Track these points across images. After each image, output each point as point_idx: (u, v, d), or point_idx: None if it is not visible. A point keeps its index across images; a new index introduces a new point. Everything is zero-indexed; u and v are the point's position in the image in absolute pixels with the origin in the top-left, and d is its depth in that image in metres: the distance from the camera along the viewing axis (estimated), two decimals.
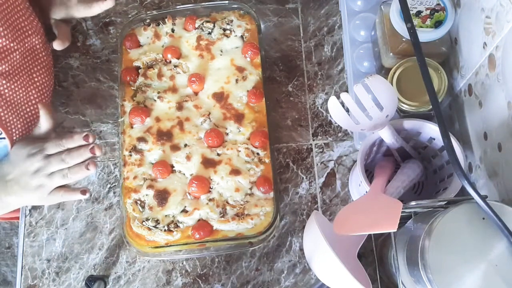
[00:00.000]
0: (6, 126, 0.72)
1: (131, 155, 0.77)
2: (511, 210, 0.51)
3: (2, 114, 0.71)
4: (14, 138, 0.74)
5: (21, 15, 0.72)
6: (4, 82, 0.70)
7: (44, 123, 0.70)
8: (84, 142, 0.69)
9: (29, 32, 0.74)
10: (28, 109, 0.76)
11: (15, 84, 0.72)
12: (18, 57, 0.72)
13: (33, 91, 0.76)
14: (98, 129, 0.85)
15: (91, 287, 0.75)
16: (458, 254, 0.49)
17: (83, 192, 0.70)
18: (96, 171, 0.82)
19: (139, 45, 0.84)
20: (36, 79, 0.77)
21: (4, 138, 0.72)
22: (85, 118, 0.85)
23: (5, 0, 0.69)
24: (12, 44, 0.70)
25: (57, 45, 0.77)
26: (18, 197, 0.68)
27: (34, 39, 0.76)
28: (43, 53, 0.78)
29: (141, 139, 0.77)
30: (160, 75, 0.81)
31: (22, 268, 0.78)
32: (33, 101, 0.76)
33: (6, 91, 0.71)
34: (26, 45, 0.74)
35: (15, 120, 0.73)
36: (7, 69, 0.70)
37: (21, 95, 0.74)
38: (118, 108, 0.82)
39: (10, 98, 0.72)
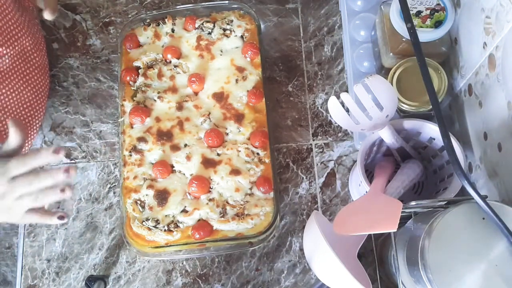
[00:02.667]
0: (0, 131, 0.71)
1: (131, 155, 0.77)
2: (511, 210, 0.51)
3: None
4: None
5: (9, 19, 0.71)
6: None
7: (13, 140, 0.61)
8: (52, 158, 0.60)
9: (19, 35, 0.73)
10: (23, 111, 0.75)
11: (6, 89, 0.71)
12: (8, 61, 0.71)
13: (28, 93, 0.75)
14: (98, 129, 0.85)
15: (91, 287, 0.75)
16: (458, 254, 0.49)
17: (61, 217, 0.63)
18: (96, 171, 0.82)
19: (139, 45, 0.84)
20: (30, 81, 0.76)
21: None
22: (85, 118, 0.85)
23: None
24: (0, 49, 0.69)
25: (47, 15, 0.70)
26: None
27: (24, 41, 0.75)
28: (36, 54, 0.78)
29: (141, 139, 0.77)
30: (160, 75, 0.81)
31: (22, 268, 0.78)
32: (28, 103, 0.75)
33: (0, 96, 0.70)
34: (17, 48, 0.73)
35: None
36: None
37: (14, 98, 0.72)
38: (118, 108, 0.82)
39: (3, 102, 0.71)
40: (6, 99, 0.71)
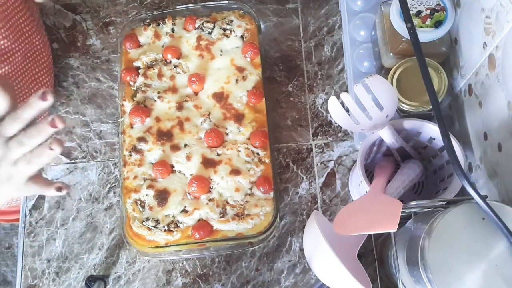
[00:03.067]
0: None
1: (131, 155, 0.77)
2: (511, 210, 0.51)
3: None
4: None
5: (21, 15, 0.72)
6: None
7: (2, 102, 0.57)
8: (43, 104, 0.55)
9: (30, 33, 0.74)
10: None
11: (18, 86, 0.72)
12: (19, 58, 0.71)
13: (36, 92, 0.76)
14: (98, 129, 0.85)
15: (91, 287, 0.75)
16: (458, 254, 0.49)
17: (58, 188, 0.60)
18: (96, 171, 0.82)
19: (139, 45, 0.84)
20: (38, 80, 0.76)
21: None
22: (85, 118, 0.85)
23: (5, 1, 0.68)
24: (13, 45, 0.69)
25: None
26: None
27: (35, 40, 0.75)
28: (44, 53, 0.78)
29: (141, 139, 0.77)
30: (160, 75, 0.81)
31: (22, 268, 0.78)
32: None
33: None
34: (27, 45, 0.73)
35: None
36: (9, 70, 0.69)
37: (24, 96, 0.73)
38: (118, 108, 0.82)
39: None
40: (17, 96, 0.71)
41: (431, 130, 0.67)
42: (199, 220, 0.74)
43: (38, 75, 0.76)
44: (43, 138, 0.56)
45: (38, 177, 0.60)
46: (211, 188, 0.75)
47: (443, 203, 0.58)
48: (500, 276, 0.48)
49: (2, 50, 0.68)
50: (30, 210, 0.81)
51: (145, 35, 0.84)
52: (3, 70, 0.68)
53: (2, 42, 0.67)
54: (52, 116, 0.54)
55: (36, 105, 0.55)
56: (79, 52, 0.89)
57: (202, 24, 0.83)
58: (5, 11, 0.68)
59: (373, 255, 0.75)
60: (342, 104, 0.62)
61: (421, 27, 0.68)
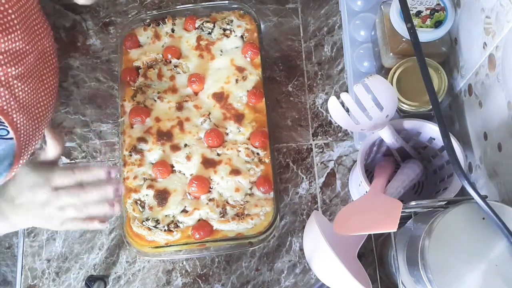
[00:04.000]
0: (16, 128, 0.72)
1: (131, 155, 0.77)
2: (511, 210, 0.51)
3: (14, 116, 0.71)
4: (21, 139, 0.73)
5: (35, 17, 0.73)
6: (19, 84, 0.70)
7: (52, 150, 0.66)
8: (102, 175, 0.62)
9: (42, 35, 0.74)
10: (37, 111, 0.75)
11: (28, 87, 0.72)
12: (32, 60, 0.72)
13: (42, 93, 0.76)
14: (98, 129, 0.85)
15: (91, 287, 0.75)
16: (458, 254, 0.49)
17: (102, 221, 0.64)
18: None
19: (139, 45, 0.84)
20: (45, 81, 0.77)
21: (12, 138, 0.72)
22: (85, 118, 0.85)
23: (24, 3, 0.69)
24: (27, 47, 0.70)
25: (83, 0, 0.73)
26: (27, 220, 0.65)
27: (45, 42, 0.76)
28: (52, 56, 0.78)
29: (141, 139, 0.77)
30: (160, 75, 0.81)
31: (22, 268, 0.78)
32: (42, 103, 0.76)
33: (21, 93, 0.71)
34: (39, 48, 0.74)
35: (25, 122, 0.73)
36: (22, 71, 0.70)
37: (32, 97, 0.73)
38: (118, 108, 0.82)
39: (23, 101, 0.72)
40: (27, 97, 0.72)
41: (431, 130, 0.67)
42: (199, 220, 0.74)
43: (46, 77, 0.77)
44: (99, 198, 0.63)
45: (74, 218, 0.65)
46: (211, 188, 0.75)
47: (443, 203, 0.58)
48: (500, 276, 0.48)
49: (18, 51, 0.68)
50: None
51: (145, 35, 0.84)
52: (17, 71, 0.69)
53: (18, 43, 0.67)
54: (120, 186, 0.62)
55: (97, 174, 0.63)
56: (79, 52, 0.89)
57: (202, 24, 0.83)
58: (22, 13, 0.68)
59: (373, 255, 0.75)
60: (342, 104, 0.62)
61: (421, 27, 0.68)
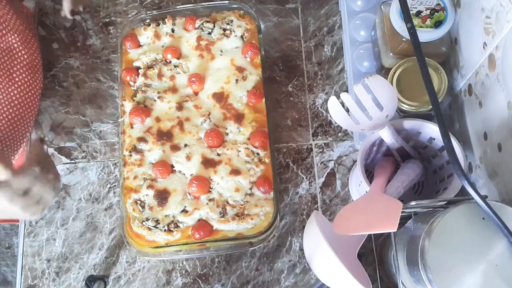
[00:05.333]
0: None
1: (131, 155, 0.77)
2: (511, 210, 0.51)
3: None
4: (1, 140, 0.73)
5: None
6: None
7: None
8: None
9: (4, 31, 0.73)
10: (10, 110, 0.74)
11: None
12: None
13: (14, 91, 0.75)
14: (98, 129, 0.85)
15: (91, 287, 0.75)
16: (458, 254, 0.49)
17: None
18: (96, 171, 0.82)
19: (139, 45, 0.84)
20: (16, 79, 0.75)
21: None
22: (85, 118, 0.85)
23: None
24: None
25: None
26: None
27: (10, 38, 0.75)
28: (23, 52, 0.77)
29: (141, 139, 0.77)
30: (160, 75, 0.81)
31: (22, 268, 0.78)
32: (15, 102, 0.75)
33: None
34: (1, 44, 0.73)
35: None
36: None
37: (1, 96, 0.72)
38: (118, 108, 0.82)
39: None
40: None
41: (431, 130, 0.67)
42: (199, 220, 0.74)
43: (16, 74, 0.75)
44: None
45: None
46: (211, 188, 0.75)
47: (443, 203, 0.58)
48: (500, 276, 0.48)
49: None
50: None
51: (145, 35, 0.84)
52: None
53: None
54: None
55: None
56: (79, 52, 0.89)
57: (202, 24, 0.83)
58: None
59: (373, 255, 0.75)
60: (342, 104, 0.62)
61: (421, 27, 0.68)
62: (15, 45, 0.76)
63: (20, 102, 0.76)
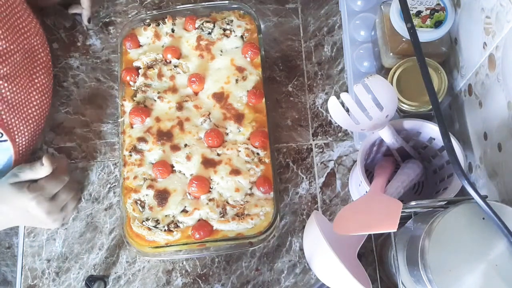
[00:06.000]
0: (8, 129, 0.72)
1: (131, 155, 0.77)
2: (511, 210, 0.51)
3: (4, 116, 0.71)
4: (16, 140, 0.74)
5: (19, 16, 0.72)
6: (6, 84, 0.70)
7: (43, 173, 0.71)
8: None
9: (28, 34, 0.74)
10: (29, 111, 0.75)
11: (17, 86, 0.72)
12: (18, 59, 0.72)
13: (34, 93, 0.76)
14: (98, 129, 0.85)
15: (91, 287, 0.75)
16: (458, 254, 0.49)
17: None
18: (96, 171, 0.82)
19: (139, 45, 0.84)
20: (36, 80, 0.77)
21: (6, 140, 0.72)
22: (85, 118, 0.85)
23: (4, 2, 0.69)
24: (12, 46, 0.70)
25: (85, 18, 0.85)
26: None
27: (33, 40, 0.76)
28: (43, 54, 0.78)
29: (141, 139, 0.77)
30: (160, 75, 0.81)
31: (22, 268, 0.78)
32: (34, 103, 0.76)
33: (8, 93, 0.71)
34: (26, 46, 0.74)
35: (17, 122, 0.73)
36: (8, 71, 0.70)
37: (22, 97, 0.73)
38: (118, 108, 0.82)
39: (12, 101, 0.72)
40: (16, 97, 0.72)
41: (431, 130, 0.67)
42: (199, 220, 0.74)
43: (37, 76, 0.77)
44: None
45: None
46: (211, 188, 0.75)
47: (443, 203, 0.58)
48: (500, 276, 0.48)
49: (1, 51, 0.68)
50: None
51: (145, 35, 0.84)
52: (3, 71, 0.69)
53: (0, 43, 0.68)
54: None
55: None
56: (79, 52, 0.89)
57: (202, 24, 0.83)
58: (3, 12, 0.68)
59: (373, 255, 0.75)
60: (342, 104, 0.62)
61: (421, 27, 0.68)
62: (37, 47, 0.77)
63: (38, 103, 0.77)
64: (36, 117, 0.77)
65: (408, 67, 0.69)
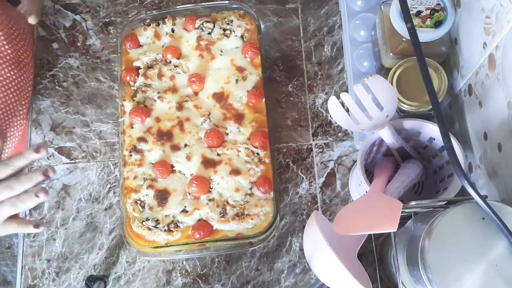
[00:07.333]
0: None
1: (131, 155, 0.77)
2: (511, 210, 0.51)
3: None
4: None
5: None
6: None
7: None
8: (35, 156, 0.60)
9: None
10: None
11: None
12: None
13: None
14: (98, 129, 0.85)
15: (91, 287, 0.75)
16: (458, 254, 0.49)
17: (36, 225, 0.63)
18: (96, 171, 0.82)
19: (139, 45, 0.84)
20: (15, 82, 0.74)
21: None
22: (85, 118, 0.85)
23: None
24: None
25: (32, 20, 0.75)
26: None
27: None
28: (6, 47, 0.76)
29: (141, 139, 0.77)
30: (160, 75, 0.81)
31: (22, 268, 0.78)
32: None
33: None
34: None
35: None
36: None
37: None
38: (118, 108, 0.82)
39: None
40: None
41: (431, 130, 0.67)
42: (199, 220, 0.74)
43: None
44: (32, 185, 0.59)
45: (16, 217, 0.63)
46: (211, 188, 0.75)
47: (443, 203, 0.58)
48: (500, 276, 0.48)
49: None
50: (30, 210, 0.81)
51: (145, 35, 0.84)
52: None
53: None
54: (46, 166, 0.59)
55: (29, 156, 0.59)
56: (79, 52, 0.89)
57: (202, 24, 0.83)
58: None
59: (373, 255, 0.75)
60: (342, 104, 0.62)
61: (421, 27, 0.68)
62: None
63: (6, 100, 0.75)
64: (5, 115, 0.74)
65: (408, 67, 0.69)
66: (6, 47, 0.76)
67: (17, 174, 0.61)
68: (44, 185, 0.61)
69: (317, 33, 0.88)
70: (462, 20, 0.69)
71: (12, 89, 0.77)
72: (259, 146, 0.77)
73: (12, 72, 0.75)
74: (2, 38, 0.75)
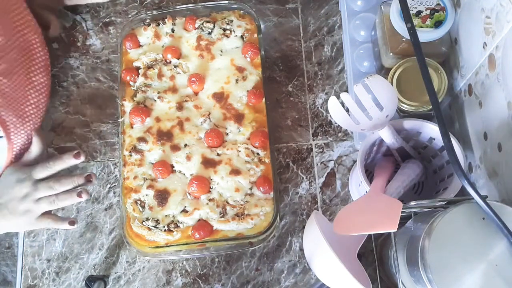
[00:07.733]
0: (5, 125, 0.72)
1: (131, 155, 0.77)
2: (511, 210, 0.51)
3: (3, 113, 0.71)
4: (12, 137, 0.73)
5: (16, 13, 0.72)
6: (5, 81, 0.70)
7: (35, 149, 0.72)
8: (73, 162, 0.70)
9: (25, 31, 0.74)
10: (26, 109, 0.75)
11: (15, 83, 0.72)
12: (15, 55, 0.72)
13: (31, 91, 0.76)
14: (98, 129, 0.85)
15: (91, 287, 0.75)
16: (458, 254, 0.49)
17: (72, 223, 0.70)
18: (96, 171, 0.82)
19: (139, 45, 0.84)
20: (33, 79, 0.76)
21: (2, 137, 0.72)
22: (85, 118, 0.85)
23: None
24: (9, 43, 0.70)
25: (53, 32, 0.82)
26: (6, 221, 0.69)
27: (30, 37, 0.75)
28: (41, 53, 0.78)
29: (141, 139, 0.77)
30: (160, 75, 0.81)
31: (22, 268, 0.78)
32: (31, 101, 0.76)
33: (7, 90, 0.71)
34: (22, 43, 0.74)
35: (14, 119, 0.73)
36: (5, 67, 0.70)
37: (19, 94, 0.73)
38: (118, 108, 0.82)
39: (10, 97, 0.72)
40: (14, 94, 0.72)
41: (431, 130, 0.67)
42: (199, 220, 0.74)
43: (34, 74, 0.77)
44: (71, 187, 0.69)
45: (49, 213, 0.71)
46: (211, 188, 0.75)
47: (443, 203, 0.58)
48: (500, 276, 0.48)
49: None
50: None
51: (145, 35, 0.84)
52: (1, 67, 0.69)
53: None
54: (90, 172, 0.70)
55: (68, 161, 0.70)
56: (79, 52, 0.89)
57: (202, 24, 0.83)
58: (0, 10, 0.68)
59: (373, 255, 0.75)
60: (342, 104, 0.62)
61: (421, 27, 0.68)
62: (35, 46, 0.77)
63: (35, 101, 0.77)
64: (33, 116, 0.76)
65: (408, 67, 0.69)
66: (41, 53, 0.78)
67: (57, 176, 0.70)
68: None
69: (317, 33, 0.88)
70: (462, 20, 0.69)
71: (43, 94, 0.79)
72: (259, 146, 0.77)
73: (45, 78, 0.79)
74: (38, 44, 0.78)
